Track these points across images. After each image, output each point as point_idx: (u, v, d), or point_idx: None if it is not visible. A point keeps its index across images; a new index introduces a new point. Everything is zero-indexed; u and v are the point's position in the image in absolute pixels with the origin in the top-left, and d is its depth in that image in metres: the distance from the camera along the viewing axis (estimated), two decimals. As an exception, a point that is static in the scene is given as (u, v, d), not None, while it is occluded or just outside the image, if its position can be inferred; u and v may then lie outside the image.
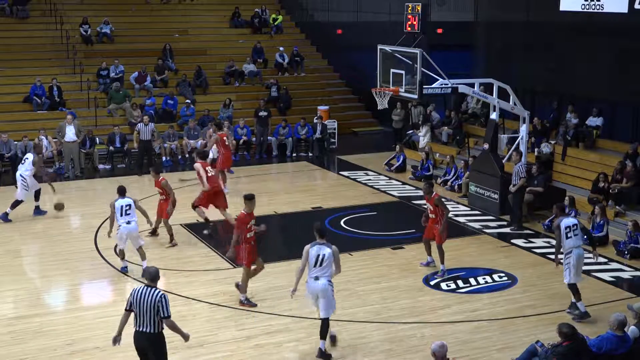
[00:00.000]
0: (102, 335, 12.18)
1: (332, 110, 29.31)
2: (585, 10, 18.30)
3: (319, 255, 11.93)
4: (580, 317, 12.98)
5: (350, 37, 31.22)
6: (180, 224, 18.08)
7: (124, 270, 14.91)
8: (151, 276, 9.82)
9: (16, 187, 18.71)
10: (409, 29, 19.02)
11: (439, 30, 27.58)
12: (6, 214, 18.49)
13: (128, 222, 14.58)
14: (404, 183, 22.40)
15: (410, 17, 18.81)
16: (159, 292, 9.69)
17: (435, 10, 28.21)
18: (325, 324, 11.68)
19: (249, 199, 13.16)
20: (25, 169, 18.48)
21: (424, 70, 18.01)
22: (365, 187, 21.93)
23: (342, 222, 18.08)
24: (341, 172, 23.86)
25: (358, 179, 22.78)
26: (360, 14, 31.61)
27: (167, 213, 16.67)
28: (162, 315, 9.61)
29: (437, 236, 14.88)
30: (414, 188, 21.77)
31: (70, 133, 22.81)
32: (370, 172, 23.56)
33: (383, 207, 19.77)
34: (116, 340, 9.98)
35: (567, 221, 13.20)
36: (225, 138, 20.84)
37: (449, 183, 21.53)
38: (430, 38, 27.19)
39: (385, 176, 23.18)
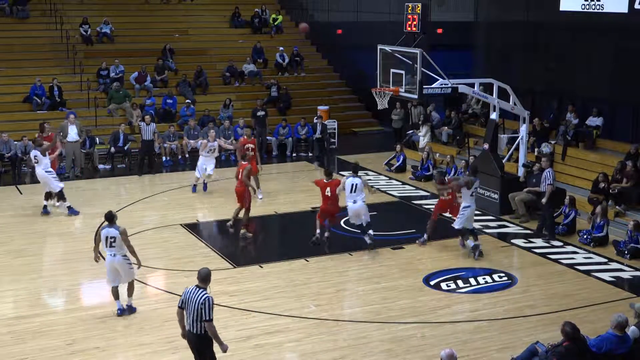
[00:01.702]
0: (102, 335, 12.22)
1: (332, 110, 29.32)
2: (585, 10, 18.28)
3: (352, 185, 16.03)
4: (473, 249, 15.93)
5: (350, 37, 31.24)
6: (180, 224, 18.09)
7: (119, 313, 12.92)
8: (201, 277, 9.85)
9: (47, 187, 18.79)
10: (409, 29, 19.00)
11: (439, 30, 27.54)
12: (69, 207, 18.79)
13: (113, 255, 12.75)
14: (404, 183, 22.39)
15: (410, 17, 18.79)
16: (204, 294, 9.69)
17: (435, 10, 28.18)
18: (369, 224, 16.22)
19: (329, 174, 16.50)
20: (44, 166, 18.52)
21: (423, 70, 18.00)
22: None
23: (342, 222, 18.06)
24: (341, 172, 23.80)
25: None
26: (360, 14, 31.61)
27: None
28: (203, 318, 9.62)
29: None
30: (414, 188, 21.79)
31: (72, 133, 22.79)
32: (370, 172, 23.55)
33: (383, 207, 19.75)
34: (184, 336, 10.12)
35: (476, 183, 15.97)
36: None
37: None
38: (430, 38, 27.21)
39: (385, 176, 23.18)
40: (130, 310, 12.98)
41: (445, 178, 17.46)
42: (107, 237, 12.69)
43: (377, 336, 12.32)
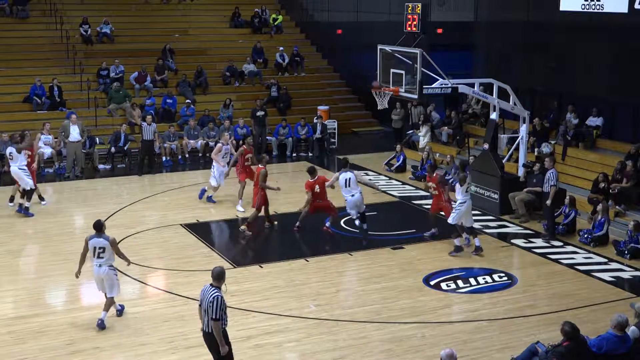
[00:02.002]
0: (102, 335, 12.20)
1: (332, 110, 29.32)
2: (585, 10, 18.24)
3: (346, 179, 16.86)
4: (455, 250, 16.10)
5: (350, 37, 31.24)
6: (180, 224, 18.07)
7: (118, 314, 12.89)
8: (214, 275, 9.96)
9: (17, 184, 18.97)
10: (409, 29, 18.97)
11: (439, 30, 27.57)
12: (27, 208, 18.71)
13: (99, 265, 12.35)
14: (404, 183, 22.38)
15: (410, 17, 18.77)
16: (214, 292, 9.78)
17: (435, 10, 28.16)
18: (364, 214, 17.16)
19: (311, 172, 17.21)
20: (20, 162, 18.61)
21: (423, 70, 17.99)
22: (365, 187, 21.82)
23: (342, 222, 18.06)
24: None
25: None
26: (360, 14, 31.60)
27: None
28: (211, 316, 9.68)
29: (449, 213, 16.46)
30: (414, 188, 21.77)
31: (75, 133, 22.80)
32: (370, 172, 23.53)
33: (383, 207, 19.75)
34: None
35: (468, 178, 16.22)
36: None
37: (449, 183, 21.50)
38: (430, 38, 27.19)
39: (385, 176, 23.17)
40: (101, 325, 12.33)
41: (435, 173, 17.62)
42: (95, 248, 12.28)
43: (377, 336, 12.32)
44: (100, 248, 12.30)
